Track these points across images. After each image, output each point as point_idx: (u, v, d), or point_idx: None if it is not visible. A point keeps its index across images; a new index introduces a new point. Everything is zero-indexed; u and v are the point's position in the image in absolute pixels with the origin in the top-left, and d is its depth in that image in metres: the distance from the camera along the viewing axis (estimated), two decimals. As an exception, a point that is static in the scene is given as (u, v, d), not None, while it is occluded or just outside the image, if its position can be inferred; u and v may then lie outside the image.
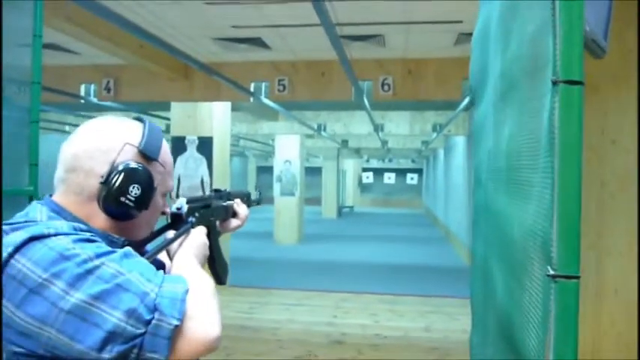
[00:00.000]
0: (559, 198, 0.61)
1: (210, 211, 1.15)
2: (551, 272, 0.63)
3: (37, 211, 0.92)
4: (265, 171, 25.90)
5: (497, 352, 1.03)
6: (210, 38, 4.64)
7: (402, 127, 9.91)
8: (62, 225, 0.87)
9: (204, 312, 0.84)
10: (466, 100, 5.34)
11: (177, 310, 0.80)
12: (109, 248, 0.86)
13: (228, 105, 6.85)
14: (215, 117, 6.53)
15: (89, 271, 0.80)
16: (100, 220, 0.93)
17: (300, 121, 8.36)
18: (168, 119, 6.98)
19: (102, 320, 0.78)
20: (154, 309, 0.79)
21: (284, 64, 5.44)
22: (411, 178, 26.33)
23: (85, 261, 0.81)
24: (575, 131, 0.62)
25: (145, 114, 7.40)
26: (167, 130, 7.01)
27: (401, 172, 26.44)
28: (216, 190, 1.23)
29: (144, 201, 0.93)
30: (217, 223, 1.20)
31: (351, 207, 23.19)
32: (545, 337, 0.63)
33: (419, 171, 25.83)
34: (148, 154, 0.95)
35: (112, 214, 0.93)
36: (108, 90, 5.60)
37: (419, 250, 11.11)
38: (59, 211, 0.92)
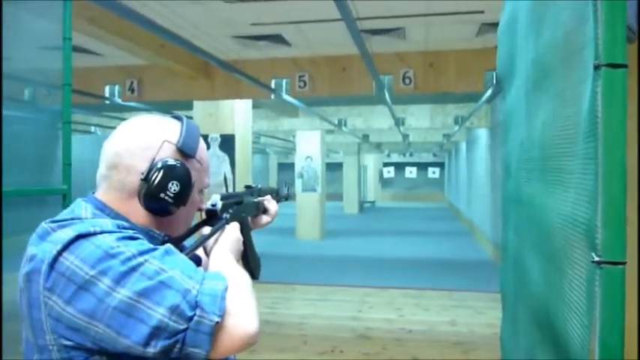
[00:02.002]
0: (603, 183, 0.61)
1: (243, 208, 1.16)
2: (597, 259, 0.62)
3: (81, 208, 0.94)
4: (286, 167, 25.98)
5: (532, 342, 1.02)
6: (230, 36, 4.67)
7: (423, 121, 9.84)
8: (107, 223, 0.89)
9: (243, 308, 0.85)
10: (489, 92, 5.28)
11: (217, 307, 0.82)
12: (151, 245, 0.88)
13: (249, 102, 6.89)
14: (236, 114, 6.57)
15: (133, 269, 0.83)
16: (140, 216, 0.96)
17: (320, 117, 8.36)
18: (190, 118, 7.05)
19: (147, 316, 0.80)
20: (196, 305, 0.81)
21: (304, 60, 5.44)
22: (433, 172, 26.11)
23: (129, 258, 0.83)
24: (618, 115, 0.60)
25: (168, 113, 7.47)
26: (189, 128, 7.07)
27: (422, 166, 26.24)
28: (248, 187, 1.24)
29: (182, 197, 0.95)
30: (249, 219, 1.21)
31: (373, 202, 23.12)
32: (590, 325, 0.62)
33: (441, 165, 25.61)
34: (185, 152, 0.97)
35: (152, 209, 0.95)
36: (132, 90, 5.67)
37: (442, 244, 11.03)
38: (102, 208, 0.95)
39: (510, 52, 1.41)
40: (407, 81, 5.33)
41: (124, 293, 0.81)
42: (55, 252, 0.84)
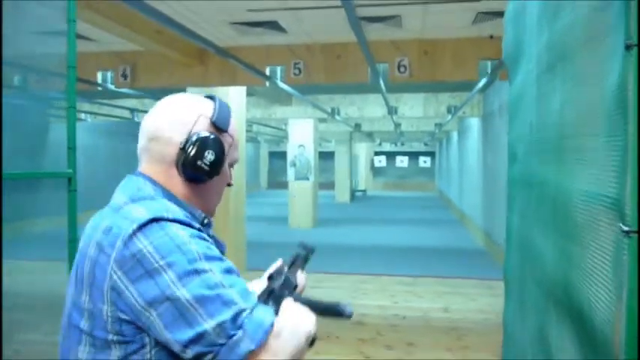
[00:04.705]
0: (632, 157, 0.62)
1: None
2: (625, 229, 0.65)
3: (143, 184, 1.01)
4: (277, 156, 25.96)
5: (543, 320, 1.05)
6: (226, 22, 4.64)
7: (416, 110, 9.87)
8: (176, 210, 0.96)
9: (280, 351, 0.90)
10: (483, 81, 5.30)
11: (258, 337, 0.87)
12: (217, 252, 0.94)
13: (243, 90, 6.86)
14: (231, 102, 6.55)
15: (197, 272, 0.88)
16: (179, 186, 1.03)
17: (314, 105, 8.35)
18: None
19: (196, 323, 0.86)
20: (240, 327, 0.87)
21: (299, 47, 5.42)
22: (424, 161, 26.24)
23: (195, 260, 0.89)
24: (649, 92, 0.62)
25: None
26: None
27: (413, 156, 26.34)
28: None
29: (216, 166, 1.03)
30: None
31: (364, 191, 23.19)
32: (617, 293, 0.65)
33: (432, 154, 25.72)
34: (219, 126, 1.05)
35: (190, 177, 1.02)
36: (125, 77, 5.63)
37: (434, 233, 11.11)
38: (155, 185, 1.02)
39: (517, 39, 1.43)
40: (402, 69, 5.33)
41: (183, 293, 0.86)
42: (130, 231, 0.90)
